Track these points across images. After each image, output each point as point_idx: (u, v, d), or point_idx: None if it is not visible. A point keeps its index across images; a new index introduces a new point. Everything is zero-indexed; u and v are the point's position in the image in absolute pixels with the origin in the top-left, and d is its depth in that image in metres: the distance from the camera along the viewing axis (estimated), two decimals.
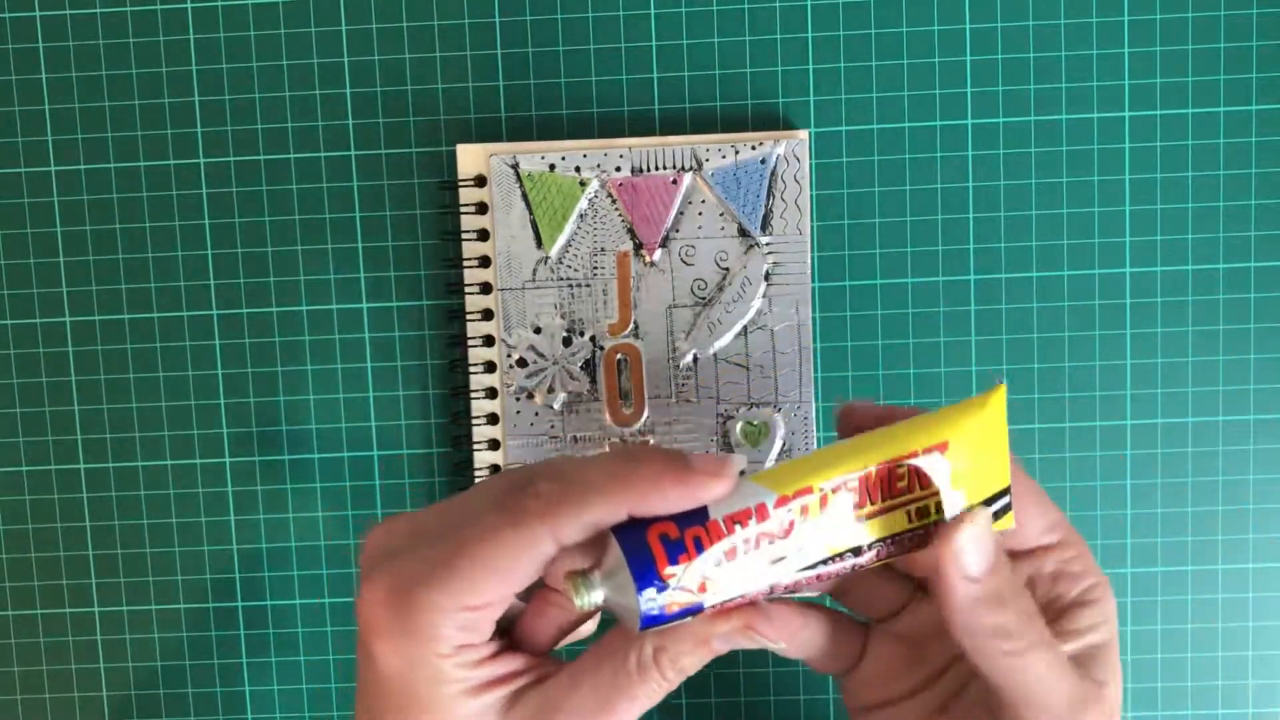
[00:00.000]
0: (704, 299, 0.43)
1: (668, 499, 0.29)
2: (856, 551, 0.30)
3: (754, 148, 0.42)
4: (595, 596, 0.29)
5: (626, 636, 0.31)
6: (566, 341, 0.43)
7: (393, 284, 0.45)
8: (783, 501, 0.29)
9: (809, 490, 0.29)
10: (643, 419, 0.44)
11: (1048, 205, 0.44)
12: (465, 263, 0.44)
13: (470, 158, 0.43)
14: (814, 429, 0.43)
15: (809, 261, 0.43)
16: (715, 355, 0.43)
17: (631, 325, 0.43)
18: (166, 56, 0.44)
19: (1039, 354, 0.44)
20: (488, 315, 0.44)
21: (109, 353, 0.45)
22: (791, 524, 0.29)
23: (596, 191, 0.43)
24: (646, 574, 0.29)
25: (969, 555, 0.30)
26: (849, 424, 0.34)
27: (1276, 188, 0.43)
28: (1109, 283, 0.44)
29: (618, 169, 0.43)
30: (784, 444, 0.43)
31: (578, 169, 0.43)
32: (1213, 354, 0.44)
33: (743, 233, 0.43)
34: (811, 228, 0.44)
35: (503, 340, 0.43)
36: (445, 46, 0.44)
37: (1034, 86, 0.43)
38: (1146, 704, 0.45)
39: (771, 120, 0.44)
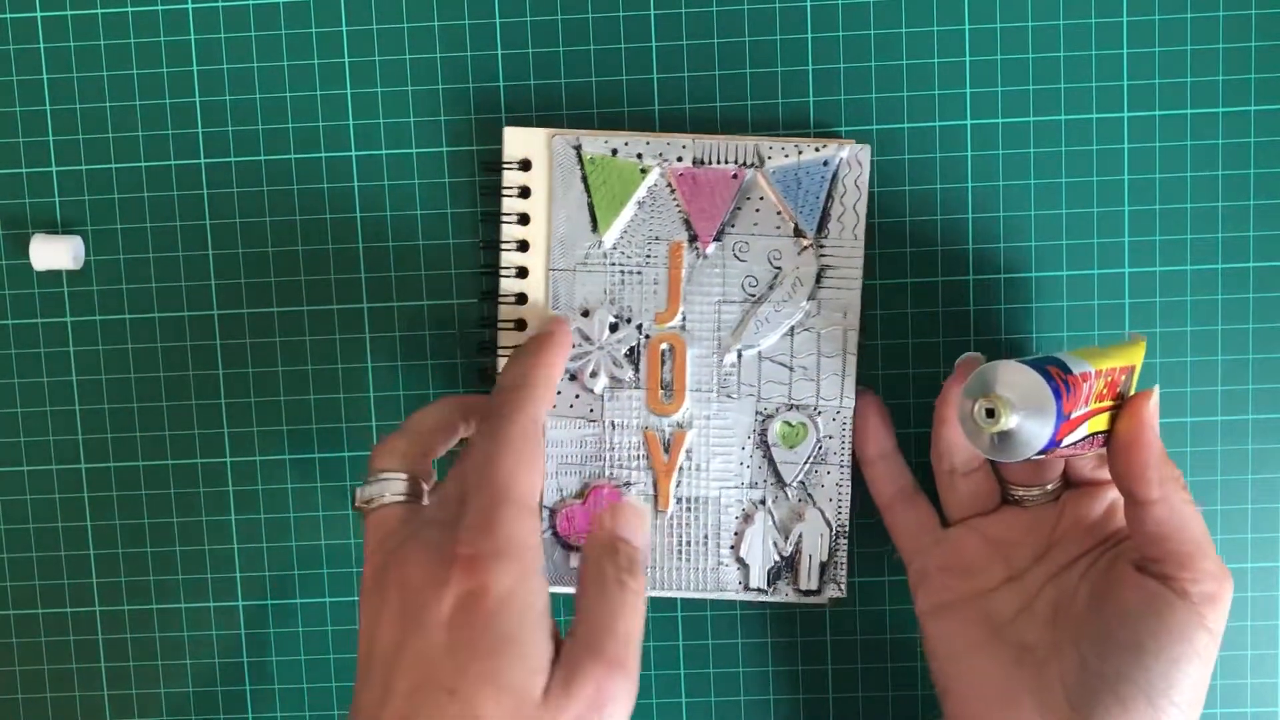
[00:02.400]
0: (754, 296, 0.43)
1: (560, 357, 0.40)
2: (1093, 439, 0.36)
3: (818, 149, 0.42)
4: (1010, 421, 0.33)
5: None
6: (614, 327, 0.43)
7: (393, 284, 0.45)
8: (1090, 376, 0.35)
9: (1098, 373, 0.35)
10: (681, 410, 0.43)
11: (1047, 205, 0.44)
12: (504, 245, 0.43)
13: (518, 140, 0.43)
14: (850, 434, 0.43)
15: (861, 267, 0.43)
16: (760, 353, 0.43)
17: (679, 316, 0.43)
18: (167, 57, 0.44)
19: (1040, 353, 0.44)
20: (521, 299, 0.43)
21: (109, 353, 0.45)
22: (1089, 395, 0.35)
23: (656, 180, 0.43)
24: (1059, 407, 0.33)
25: (1156, 418, 0.36)
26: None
27: (1275, 188, 0.44)
28: (1108, 283, 0.44)
29: (679, 159, 0.42)
30: (819, 446, 0.43)
31: (639, 155, 0.43)
32: (1211, 354, 0.44)
33: (798, 233, 0.42)
34: (868, 234, 0.43)
35: None
36: (445, 47, 0.44)
37: (1033, 87, 0.43)
38: None
39: (771, 122, 0.44)
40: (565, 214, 0.43)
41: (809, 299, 0.43)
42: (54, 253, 0.44)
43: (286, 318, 0.45)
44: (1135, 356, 0.38)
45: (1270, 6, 0.43)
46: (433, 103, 0.44)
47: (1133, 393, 0.38)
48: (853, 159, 0.42)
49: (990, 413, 0.33)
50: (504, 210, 0.43)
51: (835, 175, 0.42)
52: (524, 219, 0.43)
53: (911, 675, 0.46)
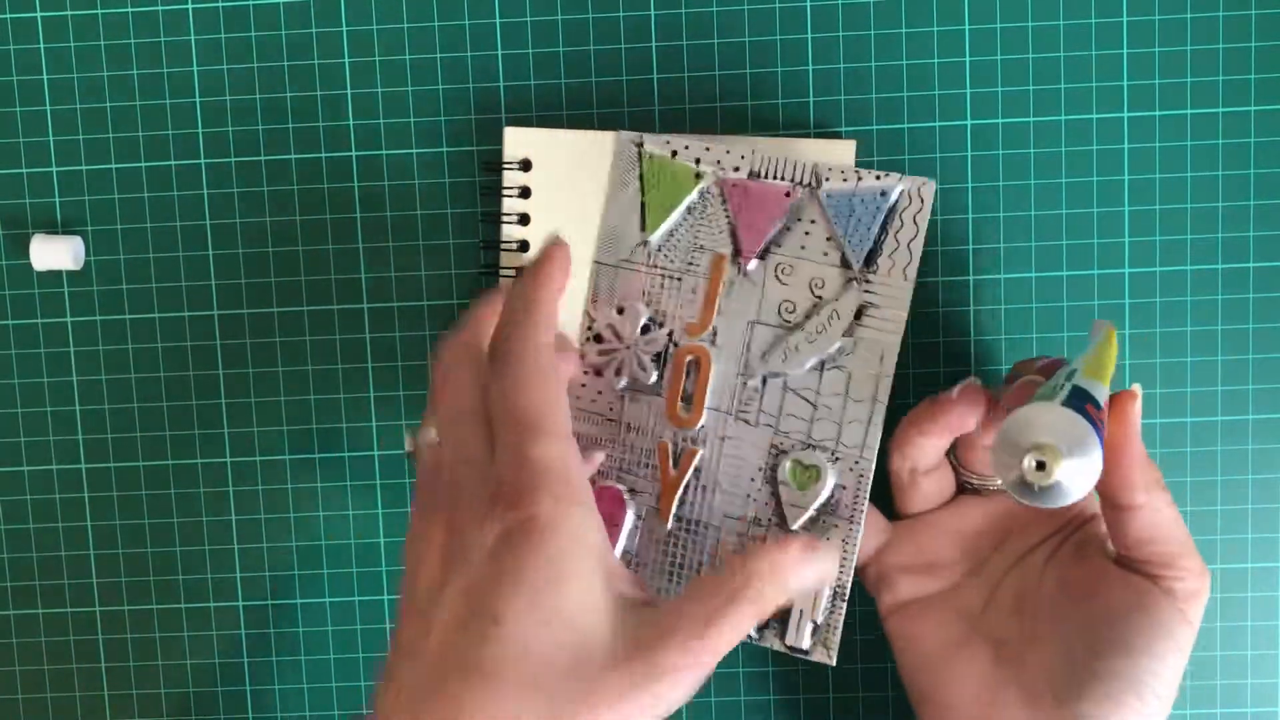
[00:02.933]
0: (789, 323, 0.41)
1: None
2: None
3: (878, 177, 0.40)
4: (1063, 473, 0.31)
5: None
6: (645, 329, 0.42)
7: (393, 284, 0.45)
8: (1107, 402, 0.34)
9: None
10: (698, 426, 0.42)
11: (1047, 205, 0.44)
12: (503, 245, 0.43)
13: (518, 140, 0.43)
14: (867, 488, 0.40)
15: (907, 310, 0.40)
16: (785, 383, 0.41)
17: (710, 330, 0.42)
18: (167, 57, 0.44)
19: (1038, 355, 0.44)
20: None
21: (109, 353, 0.45)
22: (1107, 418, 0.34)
23: (709, 186, 0.41)
24: (1100, 446, 0.31)
25: (1139, 422, 0.35)
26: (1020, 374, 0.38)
27: (1275, 188, 0.44)
28: (1108, 283, 0.44)
29: (736, 169, 0.41)
30: (831, 495, 0.41)
31: (698, 160, 0.41)
32: (1211, 354, 0.44)
33: (845, 263, 0.40)
34: (917, 276, 0.40)
35: (587, 312, 0.43)
36: (445, 47, 0.44)
37: (1033, 88, 0.43)
38: None
39: (771, 122, 0.44)
40: (618, 209, 0.42)
41: (845, 335, 0.40)
42: (54, 253, 0.44)
43: (286, 318, 0.45)
44: (1114, 350, 0.37)
45: (1270, 6, 0.43)
46: (433, 103, 0.44)
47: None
48: (914, 192, 0.40)
49: (1041, 465, 0.31)
50: (504, 210, 0.43)
51: (894, 208, 0.40)
52: (524, 219, 0.43)
53: None
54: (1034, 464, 0.31)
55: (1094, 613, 0.37)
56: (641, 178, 0.42)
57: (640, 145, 0.42)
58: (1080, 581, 0.38)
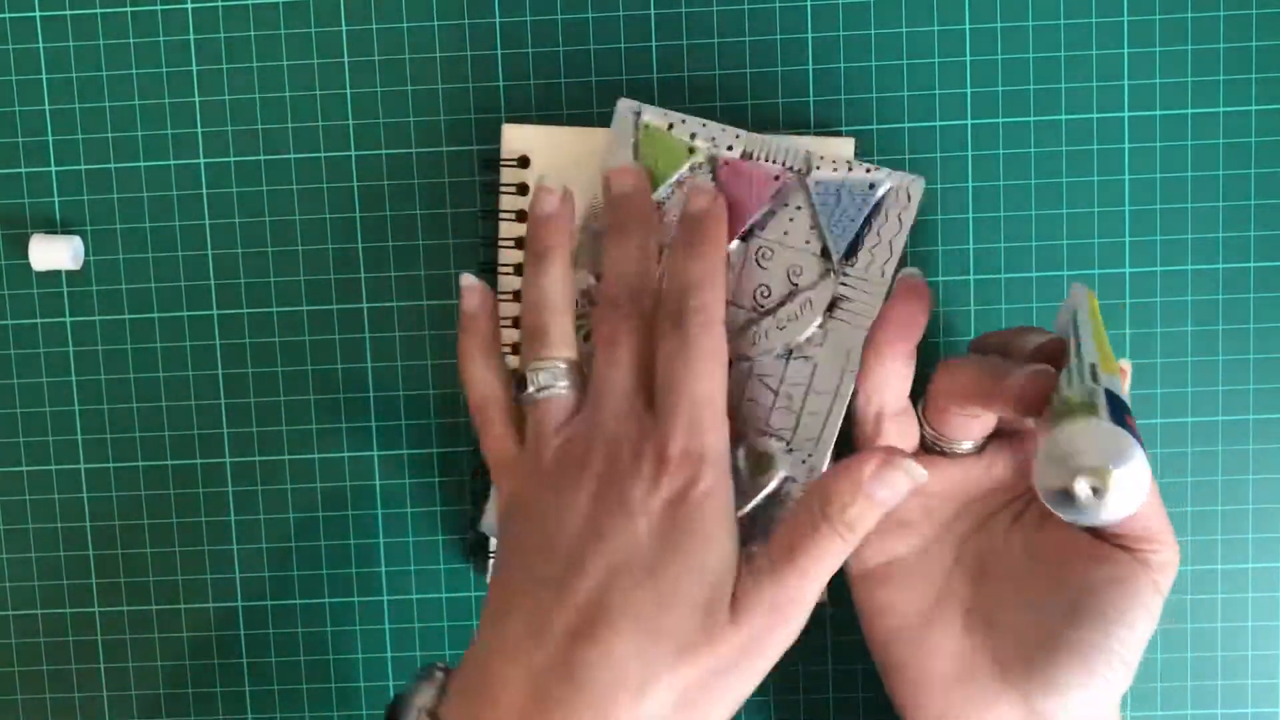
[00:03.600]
0: (762, 308, 0.41)
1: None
2: None
3: (868, 170, 0.40)
4: (1118, 495, 0.30)
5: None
6: None
7: (393, 284, 0.45)
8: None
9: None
10: None
11: (1047, 205, 0.44)
12: (502, 243, 0.43)
13: (516, 137, 0.43)
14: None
15: (879, 308, 0.39)
16: (751, 369, 0.41)
17: None
18: (167, 57, 0.44)
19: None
20: (519, 297, 0.42)
21: (109, 353, 0.45)
22: None
23: (701, 163, 0.41)
24: (1144, 457, 0.31)
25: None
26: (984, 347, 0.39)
27: (1276, 188, 0.44)
28: (1109, 283, 0.44)
29: (729, 148, 0.41)
30: (780, 487, 0.40)
31: (693, 135, 0.41)
32: (1212, 354, 0.44)
33: (825, 254, 0.40)
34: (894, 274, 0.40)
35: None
36: (445, 47, 0.44)
37: (1033, 87, 0.43)
38: (1146, 704, 0.45)
39: (771, 121, 0.44)
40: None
41: (817, 326, 0.40)
42: (53, 253, 0.44)
43: (286, 318, 0.45)
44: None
45: (1270, 6, 0.43)
46: (433, 102, 0.44)
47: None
48: (902, 189, 0.40)
49: (1096, 491, 0.30)
50: (502, 207, 0.43)
51: (880, 203, 0.40)
52: (523, 216, 0.43)
53: None
54: (1089, 490, 0.30)
55: (1068, 583, 0.37)
56: (636, 146, 0.42)
57: (639, 115, 0.42)
58: (1050, 548, 0.38)
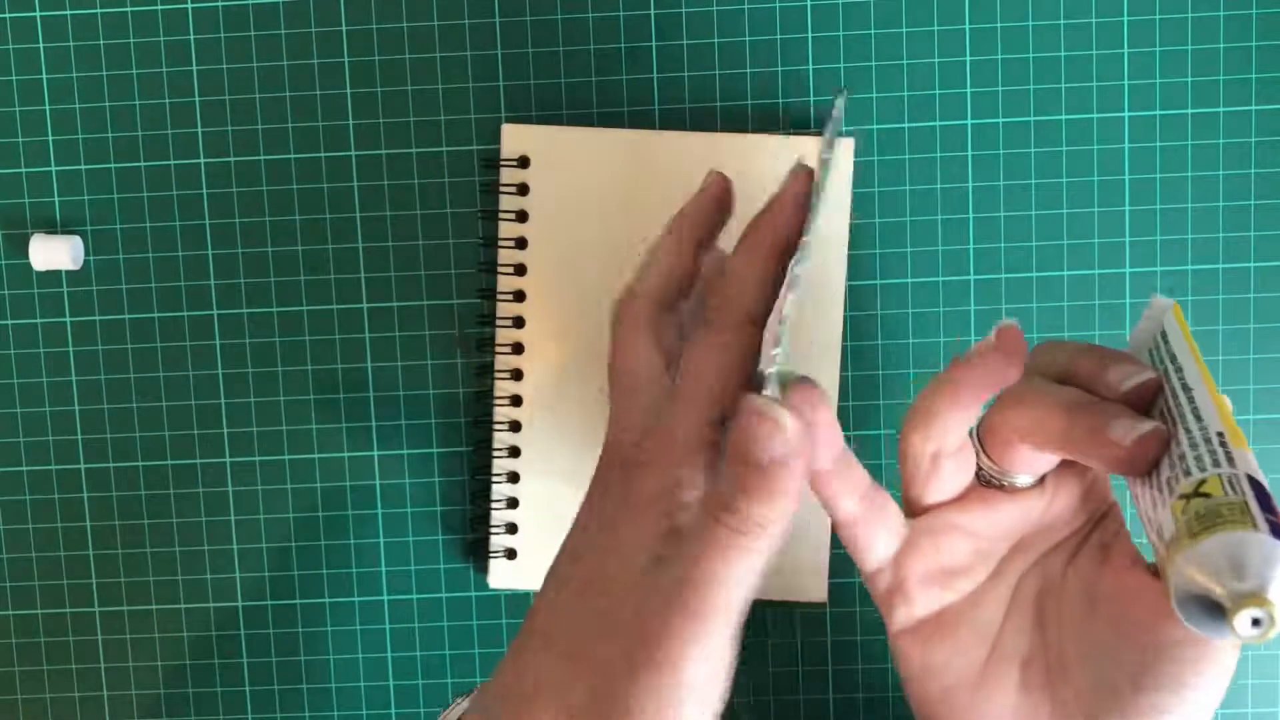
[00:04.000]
0: None
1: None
2: None
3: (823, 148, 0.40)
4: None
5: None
6: None
7: (393, 284, 0.45)
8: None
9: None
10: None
11: (1048, 205, 0.44)
12: (501, 243, 0.43)
13: (515, 137, 0.43)
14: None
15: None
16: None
17: None
18: (167, 57, 0.44)
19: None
20: (520, 296, 0.43)
21: (109, 353, 0.45)
22: None
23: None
24: None
25: None
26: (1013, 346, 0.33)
27: (1276, 188, 0.43)
28: (1109, 283, 0.44)
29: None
30: None
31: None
32: (1213, 354, 0.44)
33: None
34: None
35: None
36: (445, 47, 0.44)
37: (1033, 87, 0.43)
38: None
39: (771, 121, 0.44)
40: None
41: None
42: (53, 253, 0.44)
43: (286, 318, 0.45)
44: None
45: (1270, 6, 0.43)
46: (432, 102, 0.44)
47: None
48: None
49: (1257, 622, 0.26)
50: (502, 207, 0.43)
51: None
52: (522, 216, 0.43)
53: None
54: (1250, 621, 0.26)
55: (1135, 639, 0.32)
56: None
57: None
58: (1113, 592, 0.33)
